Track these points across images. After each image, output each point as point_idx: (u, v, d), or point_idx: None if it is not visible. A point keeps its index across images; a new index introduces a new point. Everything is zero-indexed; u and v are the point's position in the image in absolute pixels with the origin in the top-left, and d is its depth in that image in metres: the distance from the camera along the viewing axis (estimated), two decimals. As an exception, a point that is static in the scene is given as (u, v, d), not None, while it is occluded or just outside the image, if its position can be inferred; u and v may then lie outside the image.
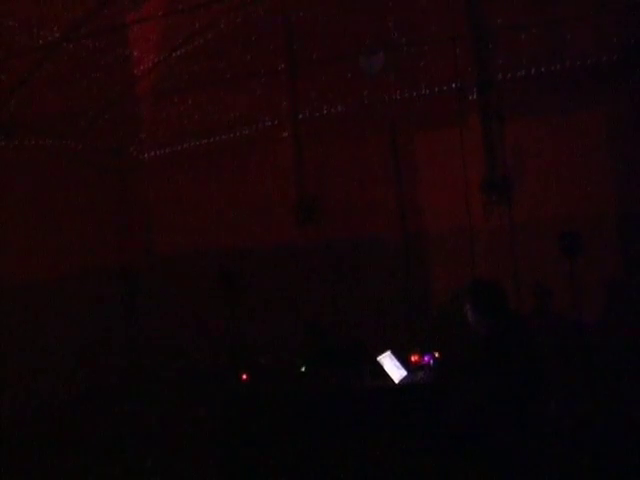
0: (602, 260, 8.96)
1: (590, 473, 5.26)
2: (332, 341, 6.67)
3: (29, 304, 9.65)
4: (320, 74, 10.24)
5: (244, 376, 6.60)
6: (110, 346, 10.66)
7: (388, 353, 6.28)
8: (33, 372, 9.35)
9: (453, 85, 9.71)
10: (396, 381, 6.07)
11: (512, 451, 4.66)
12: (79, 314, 10.23)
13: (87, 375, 10.09)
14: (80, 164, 10.63)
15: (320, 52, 10.10)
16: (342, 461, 5.85)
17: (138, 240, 11.59)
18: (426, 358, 6.40)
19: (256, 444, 6.17)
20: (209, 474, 6.36)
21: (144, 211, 11.64)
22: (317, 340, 6.67)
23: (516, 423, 4.65)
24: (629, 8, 8.77)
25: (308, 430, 6.08)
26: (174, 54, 10.24)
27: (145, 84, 10.91)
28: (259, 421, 6.24)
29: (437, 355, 6.37)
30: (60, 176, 10.37)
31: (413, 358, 6.42)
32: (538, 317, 9.13)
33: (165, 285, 11.11)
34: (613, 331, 8.76)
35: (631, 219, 9.00)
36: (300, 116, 10.55)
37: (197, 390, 8.81)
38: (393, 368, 6.17)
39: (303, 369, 6.50)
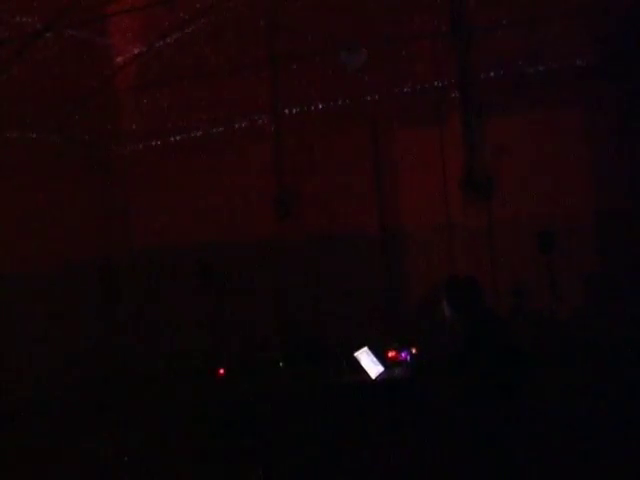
0: (578, 258, 9.05)
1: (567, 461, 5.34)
2: (310, 337, 6.70)
3: (9, 297, 9.58)
4: (301, 70, 10.23)
5: (221, 371, 6.63)
6: (91, 340, 10.59)
7: (365, 349, 6.33)
8: (14, 365, 9.29)
9: (434, 83, 9.73)
10: (373, 377, 6.12)
11: (489, 443, 4.72)
12: (59, 308, 10.16)
13: (69, 368, 10.01)
14: (59, 157, 10.55)
15: (302, 48, 10.09)
16: (318, 452, 5.89)
17: (118, 233, 11.52)
18: (403, 354, 6.46)
19: (234, 436, 6.20)
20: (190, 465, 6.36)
21: (124, 204, 11.57)
22: (296, 336, 6.71)
23: (494, 416, 4.71)
24: (607, 10, 8.85)
25: (284, 422, 6.11)
26: (155, 46, 10.19)
27: (125, 76, 10.85)
28: (236, 415, 6.27)
29: (414, 351, 6.43)
30: (39, 168, 10.28)
31: (390, 354, 6.47)
32: (515, 313, 9.23)
33: (145, 277, 11.06)
34: (589, 326, 8.87)
35: (607, 217, 9.09)
36: (281, 111, 10.52)
37: (176, 383, 8.80)
38: (370, 364, 6.22)
39: (281, 364, 6.53)
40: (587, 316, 9.08)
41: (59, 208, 10.57)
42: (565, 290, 9.02)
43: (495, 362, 4.78)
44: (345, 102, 10.11)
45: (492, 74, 9.50)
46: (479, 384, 4.80)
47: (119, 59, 10.59)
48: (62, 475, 6.69)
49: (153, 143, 11.23)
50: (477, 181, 9.59)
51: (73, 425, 8.32)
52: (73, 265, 10.59)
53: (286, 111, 10.46)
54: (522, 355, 4.86)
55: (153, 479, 6.26)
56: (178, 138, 11.02)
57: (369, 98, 9.99)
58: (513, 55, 9.36)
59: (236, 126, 10.66)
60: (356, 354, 6.19)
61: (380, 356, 6.37)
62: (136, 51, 10.38)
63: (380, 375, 6.20)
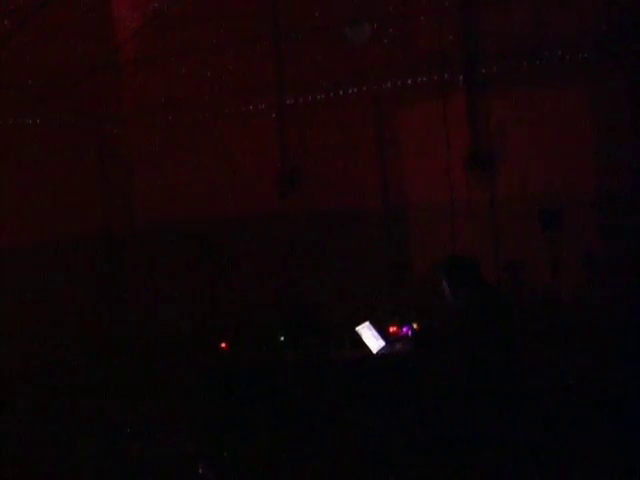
0: (581, 236, 9.05)
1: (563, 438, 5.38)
2: (313, 311, 6.71)
3: (9, 268, 9.61)
4: (306, 45, 10.19)
5: (223, 344, 6.64)
6: (92, 313, 10.64)
7: (367, 324, 6.34)
8: (11, 336, 9.33)
9: (439, 59, 9.69)
10: (374, 351, 6.14)
11: (491, 419, 4.76)
12: (60, 280, 10.20)
13: (69, 340, 10.07)
14: (63, 130, 10.54)
15: (306, 22, 10.04)
16: (319, 428, 5.94)
17: (121, 208, 11.54)
18: (404, 329, 6.47)
19: (235, 411, 6.24)
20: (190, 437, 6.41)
21: (127, 179, 11.58)
22: (298, 310, 6.71)
23: (494, 391, 4.75)
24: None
25: (285, 397, 6.14)
26: (157, 20, 10.14)
27: (129, 49, 10.81)
28: (238, 389, 6.30)
29: (415, 327, 6.43)
30: (43, 141, 10.28)
31: (391, 329, 6.48)
32: (516, 290, 9.25)
33: (147, 252, 11.09)
34: (589, 304, 8.89)
35: (610, 196, 9.08)
36: (284, 87, 10.49)
37: (178, 357, 8.85)
38: (371, 338, 6.23)
39: (282, 338, 6.54)
40: (588, 295, 9.10)
41: (62, 180, 10.58)
42: (567, 269, 9.04)
43: (493, 342, 4.81)
44: (349, 78, 10.08)
45: (497, 50, 9.46)
46: (477, 362, 4.83)
47: (122, 33, 10.55)
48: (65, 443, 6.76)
49: (157, 118, 11.22)
50: (481, 158, 9.58)
51: (75, 395, 8.40)
52: (75, 238, 10.62)
53: (290, 87, 10.44)
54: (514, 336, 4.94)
55: (155, 446, 6.33)
56: (182, 113, 11.00)
57: (373, 72, 9.95)
58: (519, 31, 9.31)
59: (239, 102, 10.62)
60: (358, 328, 6.21)
61: (381, 331, 6.39)
62: (140, 24, 10.33)
63: (381, 350, 6.22)
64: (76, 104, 10.63)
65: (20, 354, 9.34)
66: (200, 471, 5.62)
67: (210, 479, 5.56)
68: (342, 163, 10.18)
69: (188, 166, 10.91)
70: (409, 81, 9.81)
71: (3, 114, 9.70)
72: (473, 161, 9.56)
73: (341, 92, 10.11)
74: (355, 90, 10.06)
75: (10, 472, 6.32)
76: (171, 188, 11.04)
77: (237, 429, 6.15)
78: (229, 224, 10.35)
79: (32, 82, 9.90)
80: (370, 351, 6.12)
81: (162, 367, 9.21)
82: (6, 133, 9.77)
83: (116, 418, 7.16)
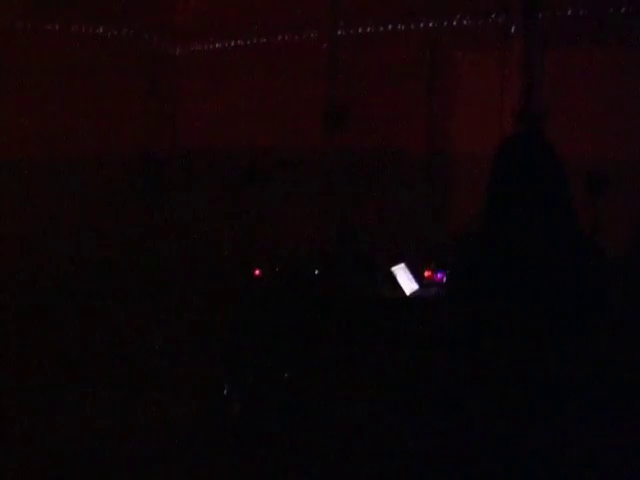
0: (627, 203, 8.88)
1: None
2: (349, 247, 6.71)
3: (41, 180, 9.71)
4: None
5: (257, 272, 6.68)
6: (125, 233, 10.74)
7: (402, 265, 6.33)
8: (34, 250, 9.46)
9: (500, 6, 9.44)
10: (407, 293, 6.14)
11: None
12: (95, 196, 10.29)
13: (96, 256, 10.17)
14: (112, 42, 10.50)
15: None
16: (346, 364, 5.99)
17: (165, 130, 11.54)
18: (439, 275, 6.46)
19: (263, 340, 6.30)
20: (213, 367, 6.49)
21: (173, 98, 11.55)
22: (346, 243, 6.70)
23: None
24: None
25: (314, 330, 6.19)
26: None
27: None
28: (268, 317, 6.36)
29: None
30: (89, 58, 10.27)
31: (426, 273, 6.48)
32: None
33: (188, 177, 11.11)
34: (630, 271, 8.75)
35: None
36: (338, 24, 10.32)
37: (210, 282, 8.93)
38: (406, 280, 6.23)
39: (316, 272, 6.56)
40: (629, 263, 8.96)
41: (107, 96, 10.58)
42: (609, 235, 8.88)
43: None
44: (404, 19, 9.87)
45: (561, 3, 9.19)
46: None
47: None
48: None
49: (206, 43, 11.12)
50: (532, 113, 9.38)
51: (107, 309, 8.54)
52: (116, 155, 10.68)
53: (344, 22, 10.26)
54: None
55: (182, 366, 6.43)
56: (234, 42, 10.89)
57: (429, 12, 9.74)
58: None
59: (292, 30, 10.48)
60: (393, 269, 6.20)
61: (416, 274, 6.38)
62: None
63: (415, 292, 6.22)
64: (130, 19, 10.58)
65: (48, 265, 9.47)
66: (225, 392, 5.71)
67: (235, 400, 5.66)
68: (390, 104, 10.03)
69: (236, 92, 10.83)
70: (467, 26, 9.58)
71: (51, 19, 9.69)
72: (524, 115, 9.37)
73: (396, 31, 9.91)
74: (410, 27, 9.86)
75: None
76: (217, 115, 10.99)
77: (263, 355, 6.22)
78: (273, 154, 10.31)
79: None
80: (403, 292, 6.12)
81: (196, 289, 9.31)
82: (53, 40, 9.77)
83: (147, 334, 7.28)
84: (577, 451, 2.68)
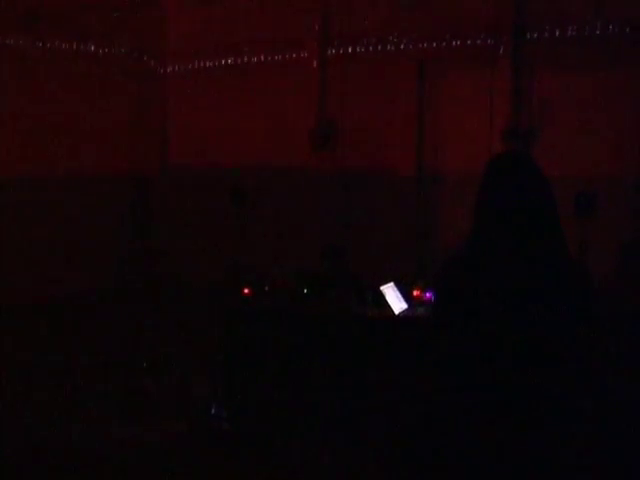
0: (616, 224, 8.90)
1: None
2: (347, 265, 6.69)
3: (32, 199, 9.69)
4: (353, 4, 10.06)
5: (246, 290, 6.66)
6: (114, 251, 10.71)
7: (391, 284, 6.31)
8: (26, 266, 9.42)
9: (488, 26, 9.50)
10: (396, 312, 6.12)
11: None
12: (84, 215, 10.27)
13: (82, 277, 10.13)
14: (100, 66, 10.52)
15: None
16: (336, 382, 5.97)
17: (154, 149, 11.55)
18: (428, 294, 6.44)
19: (254, 358, 6.28)
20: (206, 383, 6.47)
21: (161, 119, 11.57)
22: (332, 263, 6.68)
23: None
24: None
25: (302, 348, 6.16)
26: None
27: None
28: (256, 335, 6.33)
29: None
30: (78, 76, 10.29)
31: (415, 292, 6.46)
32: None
33: (176, 196, 11.12)
34: (622, 294, 8.73)
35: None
36: (328, 41, 10.37)
37: (200, 300, 8.92)
38: (394, 299, 6.21)
39: (305, 291, 6.55)
40: (617, 286, 8.95)
41: (96, 115, 10.60)
42: (597, 257, 8.87)
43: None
44: (395, 37, 9.92)
45: (548, 25, 9.27)
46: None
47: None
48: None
49: (197, 62, 11.17)
50: (520, 133, 9.43)
51: (95, 329, 8.50)
52: (105, 175, 10.67)
53: (334, 42, 10.32)
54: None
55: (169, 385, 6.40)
56: (222, 62, 10.93)
57: (418, 34, 9.80)
58: (572, 10, 9.09)
59: (281, 50, 10.52)
60: (382, 288, 6.19)
61: (405, 293, 6.36)
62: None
63: (403, 312, 6.20)
64: (119, 39, 10.61)
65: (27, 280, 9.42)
66: (213, 411, 5.68)
67: (222, 419, 5.62)
68: (379, 123, 10.07)
69: (224, 113, 10.87)
70: (455, 46, 9.64)
71: (43, 37, 9.71)
72: (512, 136, 9.42)
73: (386, 48, 9.95)
74: (399, 48, 9.91)
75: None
76: (205, 133, 11.01)
77: (251, 373, 6.20)
78: (260, 174, 10.34)
79: (76, 12, 9.89)
80: (392, 312, 6.10)
81: (183, 308, 9.29)
82: (44, 60, 9.79)
83: (134, 353, 7.25)
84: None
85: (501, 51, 9.49)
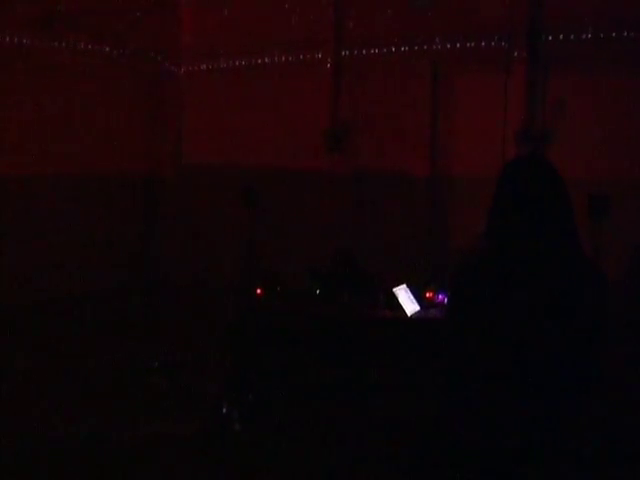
0: (630, 225, 8.86)
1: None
2: (357, 268, 6.69)
3: (43, 197, 9.74)
4: (367, 6, 10.06)
5: (258, 290, 6.68)
6: (125, 251, 10.75)
7: (404, 286, 6.32)
8: (35, 266, 9.47)
9: (503, 31, 9.49)
10: (408, 314, 6.13)
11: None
12: (97, 214, 10.32)
13: (96, 275, 10.18)
14: (115, 67, 10.57)
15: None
16: (347, 383, 5.98)
17: (166, 148, 11.59)
18: (440, 296, 6.44)
19: (263, 359, 6.29)
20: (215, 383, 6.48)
21: (175, 120, 11.60)
22: (343, 265, 6.68)
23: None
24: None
25: (314, 349, 6.18)
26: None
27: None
28: (268, 336, 6.35)
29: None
30: (94, 76, 10.34)
31: (427, 294, 6.46)
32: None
33: (190, 195, 11.16)
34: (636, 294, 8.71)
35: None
36: (343, 44, 10.37)
37: (210, 300, 8.95)
38: (407, 301, 6.22)
39: (317, 292, 6.56)
40: (632, 287, 8.92)
41: (111, 116, 10.64)
42: (611, 259, 8.84)
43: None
44: (409, 41, 9.92)
45: (563, 29, 9.24)
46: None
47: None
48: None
49: (211, 63, 11.19)
50: (534, 136, 9.41)
51: (106, 328, 8.53)
52: (120, 174, 10.71)
53: (348, 44, 10.32)
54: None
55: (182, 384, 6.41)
56: (237, 62, 10.95)
57: (433, 35, 9.79)
58: (588, 15, 9.06)
59: (296, 50, 10.53)
60: (394, 289, 6.19)
61: (417, 295, 6.37)
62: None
63: (416, 314, 6.21)
64: (134, 39, 10.65)
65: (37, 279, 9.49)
66: (224, 410, 5.69)
67: (234, 419, 5.63)
68: (393, 125, 10.07)
69: (238, 114, 10.88)
70: (470, 50, 9.62)
71: (58, 40, 9.76)
72: (526, 138, 9.40)
73: (400, 49, 9.94)
74: (414, 50, 9.90)
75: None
76: (219, 134, 11.04)
77: (263, 373, 6.21)
78: (273, 175, 10.36)
79: (92, 12, 9.94)
80: (404, 313, 6.11)
81: (195, 307, 9.32)
82: (59, 60, 9.84)
83: (146, 353, 7.27)
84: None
85: (515, 53, 9.49)
